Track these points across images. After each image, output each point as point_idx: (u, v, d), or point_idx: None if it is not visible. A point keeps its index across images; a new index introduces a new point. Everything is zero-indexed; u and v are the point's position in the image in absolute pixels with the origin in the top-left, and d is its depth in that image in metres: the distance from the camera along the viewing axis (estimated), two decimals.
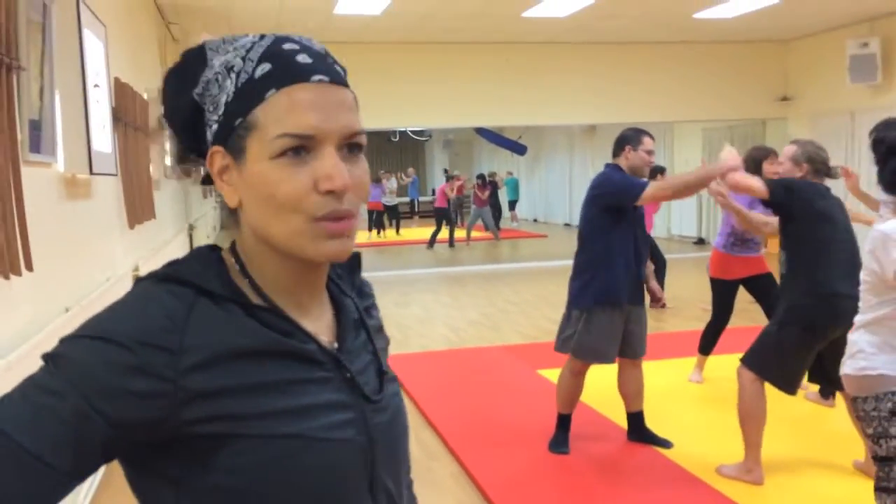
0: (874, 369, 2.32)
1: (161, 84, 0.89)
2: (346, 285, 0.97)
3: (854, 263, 3.44)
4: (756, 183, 3.49)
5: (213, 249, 0.88)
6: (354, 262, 1.00)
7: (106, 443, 0.75)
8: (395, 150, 25.43)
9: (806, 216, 3.42)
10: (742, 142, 12.76)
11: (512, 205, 19.85)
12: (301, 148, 0.79)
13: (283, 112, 0.79)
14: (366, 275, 1.03)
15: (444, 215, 14.98)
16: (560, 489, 3.49)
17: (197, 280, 0.81)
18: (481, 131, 17.75)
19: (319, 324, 0.89)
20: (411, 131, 21.96)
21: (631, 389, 3.97)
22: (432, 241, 14.85)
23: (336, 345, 0.88)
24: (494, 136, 18.17)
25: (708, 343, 5.03)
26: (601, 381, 4.44)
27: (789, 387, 3.45)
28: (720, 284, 4.96)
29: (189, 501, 0.79)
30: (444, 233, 14.91)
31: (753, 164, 4.97)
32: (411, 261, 13.07)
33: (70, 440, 0.73)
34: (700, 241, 14.26)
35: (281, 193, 0.79)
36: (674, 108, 11.68)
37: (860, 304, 2.47)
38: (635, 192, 3.61)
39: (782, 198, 3.43)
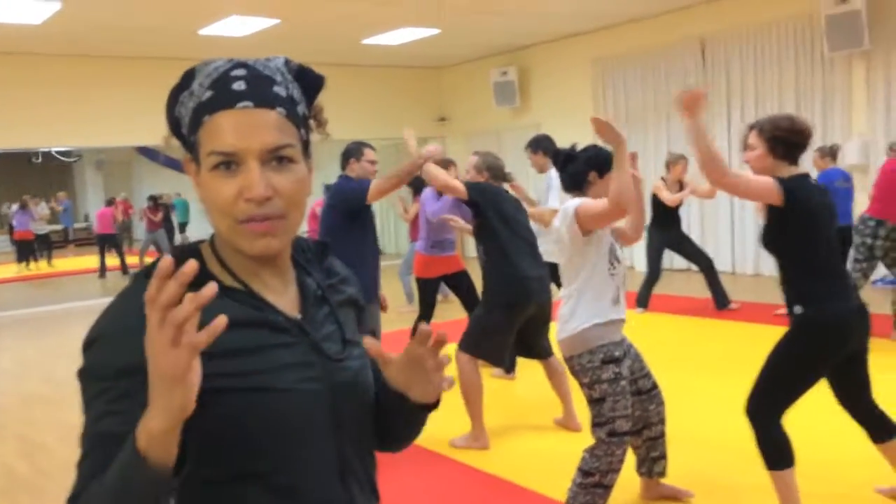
0: (584, 326, 2.83)
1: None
2: (314, 267, 1.14)
3: (535, 251, 4.15)
4: (455, 182, 4.04)
5: (193, 245, 1.04)
6: (323, 249, 1.17)
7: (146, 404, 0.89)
8: (39, 173, 22.69)
9: (495, 215, 4.02)
10: (409, 159, 13.88)
11: (182, 227, 19.04)
12: (231, 162, 0.96)
13: (211, 134, 0.97)
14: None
15: (110, 241, 13.87)
16: None
17: None
18: (144, 150, 16.78)
19: (285, 299, 1.06)
20: (56, 151, 19.93)
21: None
22: (102, 270, 13.74)
23: (300, 316, 1.06)
24: (159, 156, 17.34)
25: None
26: None
27: (499, 359, 4.04)
28: (424, 283, 5.51)
29: (192, 441, 0.95)
30: (114, 259, 13.83)
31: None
32: (73, 293, 11.94)
33: (126, 415, 0.89)
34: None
35: (216, 199, 0.97)
36: (347, 126, 12.31)
37: (563, 280, 3.02)
38: (363, 192, 3.97)
39: (478, 197, 4.02)
